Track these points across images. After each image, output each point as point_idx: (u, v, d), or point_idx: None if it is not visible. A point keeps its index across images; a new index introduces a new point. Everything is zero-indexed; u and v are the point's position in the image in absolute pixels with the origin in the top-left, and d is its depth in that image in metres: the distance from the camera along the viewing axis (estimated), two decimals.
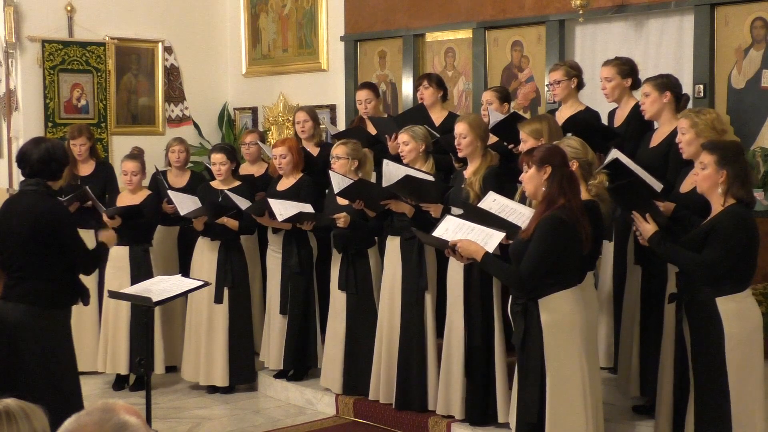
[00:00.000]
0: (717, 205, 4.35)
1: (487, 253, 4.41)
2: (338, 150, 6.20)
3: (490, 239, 4.50)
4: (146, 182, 7.24)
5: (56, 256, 4.70)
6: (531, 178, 4.35)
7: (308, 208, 6.25)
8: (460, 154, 5.55)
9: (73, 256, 4.77)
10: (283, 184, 6.66)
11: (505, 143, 5.74)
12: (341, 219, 6.05)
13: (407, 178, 5.47)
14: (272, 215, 6.32)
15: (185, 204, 6.63)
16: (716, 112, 5.07)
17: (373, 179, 6.44)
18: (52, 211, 4.70)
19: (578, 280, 4.41)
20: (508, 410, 5.34)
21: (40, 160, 4.70)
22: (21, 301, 4.65)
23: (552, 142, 4.83)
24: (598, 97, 6.32)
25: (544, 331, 4.25)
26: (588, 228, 4.30)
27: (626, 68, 5.62)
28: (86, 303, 4.99)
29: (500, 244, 4.68)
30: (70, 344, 4.89)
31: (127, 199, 6.92)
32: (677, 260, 4.42)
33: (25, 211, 4.68)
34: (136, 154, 7.08)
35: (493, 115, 5.90)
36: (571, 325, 4.30)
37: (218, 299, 6.75)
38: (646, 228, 4.48)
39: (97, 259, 5.15)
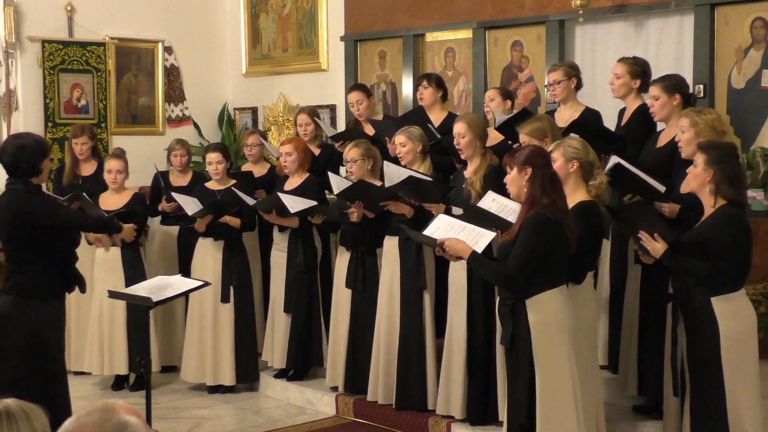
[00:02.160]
0: (708, 205, 4.38)
1: (473, 251, 4.41)
2: (352, 153, 6.15)
3: (480, 238, 4.51)
4: (130, 183, 7.21)
5: (42, 250, 4.79)
6: (513, 180, 4.36)
7: (316, 203, 6.27)
8: (462, 156, 5.55)
9: (79, 229, 5.02)
10: (290, 184, 6.66)
11: (510, 142, 5.73)
12: (354, 214, 6.05)
13: (410, 179, 5.47)
14: (280, 212, 6.32)
15: (190, 205, 6.64)
16: (717, 112, 5.07)
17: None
18: (28, 207, 4.77)
19: (566, 280, 4.41)
20: None
21: (11, 162, 4.83)
22: (9, 292, 4.79)
23: (555, 141, 4.84)
24: (598, 97, 6.32)
25: (532, 331, 4.24)
26: (573, 228, 4.29)
27: (637, 69, 5.61)
28: (83, 290, 5.12)
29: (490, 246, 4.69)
30: (58, 335, 4.93)
31: (111, 198, 6.90)
32: (691, 273, 4.36)
33: (5, 208, 4.82)
34: (119, 154, 7.11)
35: (495, 113, 5.90)
36: (559, 325, 4.29)
37: (225, 298, 6.75)
38: (656, 247, 4.42)
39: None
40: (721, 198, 4.32)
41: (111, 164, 6.94)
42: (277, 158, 7.28)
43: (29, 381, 4.60)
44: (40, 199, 4.94)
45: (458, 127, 5.48)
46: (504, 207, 4.68)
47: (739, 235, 4.30)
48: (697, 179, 4.37)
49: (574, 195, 4.57)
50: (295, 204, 6.22)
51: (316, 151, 7.06)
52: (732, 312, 4.29)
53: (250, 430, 6.14)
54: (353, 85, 7.45)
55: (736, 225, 4.30)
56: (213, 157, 6.84)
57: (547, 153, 4.43)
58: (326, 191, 6.60)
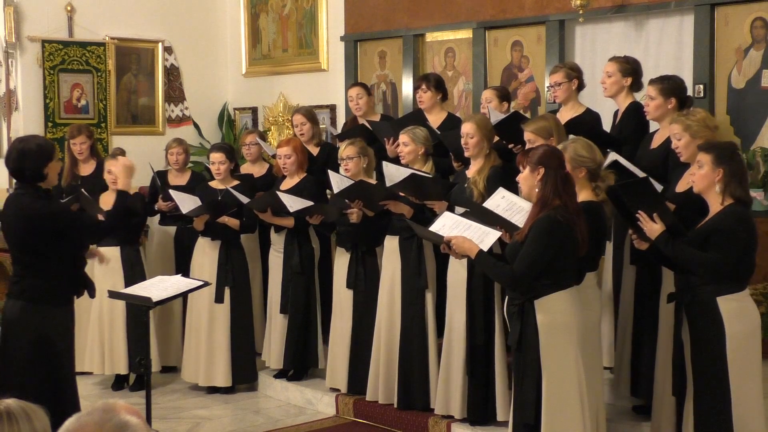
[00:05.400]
0: (715, 204, 4.34)
1: (480, 250, 4.41)
2: (348, 151, 6.15)
3: (486, 237, 4.50)
4: (142, 182, 7.21)
5: (51, 254, 4.76)
6: (525, 179, 4.36)
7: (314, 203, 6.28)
8: (466, 154, 5.54)
9: (83, 236, 4.93)
10: (287, 184, 6.65)
11: (504, 142, 5.74)
12: (353, 214, 6.05)
13: (412, 176, 5.47)
14: (276, 212, 6.32)
15: (186, 203, 6.63)
16: (704, 110, 5.06)
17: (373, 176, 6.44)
18: (37, 213, 4.74)
19: (575, 282, 4.40)
20: (507, 408, 5.35)
21: (14, 168, 4.79)
22: (19, 297, 4.76)
23: (560, 141, 4.83)
24: (599, 97, 6.32)
25: (540, 332, 4.24)
26: (585, 230, 4.28)
27: (628, 67, 5.63)
28: (92, 295, 5.12)
29: (502, 243, 4.68)
30: (67, 341, 4.92)
31: (110, 198, 6.88)
32: (685, 259, 4.34)
33: (14, 213, 4.79)
34: (118, 155, 7.08)
35: (493, 114, 5.91)
36: (567, 327, 4.29)
37: (219, 299, 6.75)
38: (653, 228, 4.38)
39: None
40: (729, 197, 4.29)
41: (110, 165, 6.92)
42: (273, 157, 7.29)
43: (38, 386, 4.58)
44: (54, 205, 4.89)
45: (467, 127, 5.47)
46: (513, 205, 4.67)
47: (743, 231, 4.27)
48: (706, 179, 4.32)
49: (579, 195, 4.56)
50: (294, 203, 6.22)
51: (315, 151, 7.06)
52: (737, 312, 4.28)
53: (250, 430, 6.14)
54: (354, 82, 7.46)
55: (742, 221, 4.28)
56: (216, 156, 6.85)
57: (561, 154, 4.40)
58: (327, 190, 6.58)
